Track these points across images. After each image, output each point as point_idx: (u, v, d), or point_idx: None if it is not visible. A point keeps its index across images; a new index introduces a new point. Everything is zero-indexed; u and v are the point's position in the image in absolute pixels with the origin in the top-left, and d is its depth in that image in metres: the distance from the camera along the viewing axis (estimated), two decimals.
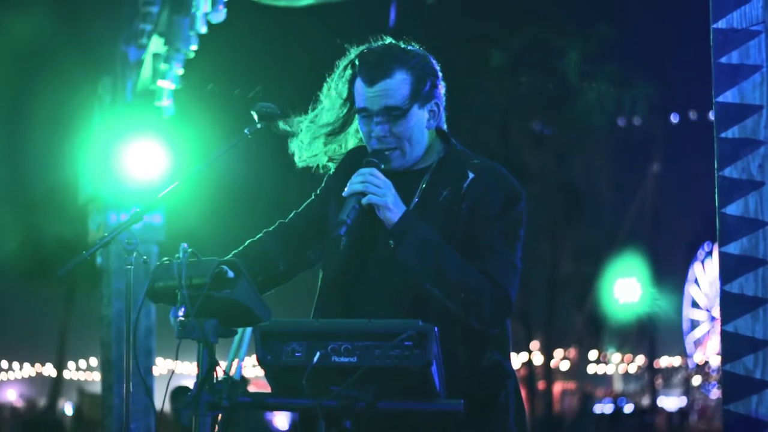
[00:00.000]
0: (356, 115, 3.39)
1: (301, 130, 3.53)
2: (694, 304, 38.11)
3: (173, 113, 8.39)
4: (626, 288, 32.50)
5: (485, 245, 3.20)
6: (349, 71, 3.38)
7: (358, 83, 3.33)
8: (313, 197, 3.54)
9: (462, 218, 3.25)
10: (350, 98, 3.40)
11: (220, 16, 7.76)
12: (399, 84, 3.28)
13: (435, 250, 3.14)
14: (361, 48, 3.39)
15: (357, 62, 3.34)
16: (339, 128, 3.50)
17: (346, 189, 3.23)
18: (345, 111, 3.45)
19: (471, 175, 3.29)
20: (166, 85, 8.13)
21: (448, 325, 3.10)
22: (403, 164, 3.34)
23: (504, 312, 3.19)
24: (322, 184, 3.54)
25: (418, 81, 3.31)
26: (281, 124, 3.52)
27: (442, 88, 3.41)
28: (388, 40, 3.42)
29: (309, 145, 3.52)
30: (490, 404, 3.21)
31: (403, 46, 3.37)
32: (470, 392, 3.02)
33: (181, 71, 8.11)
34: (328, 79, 3.47)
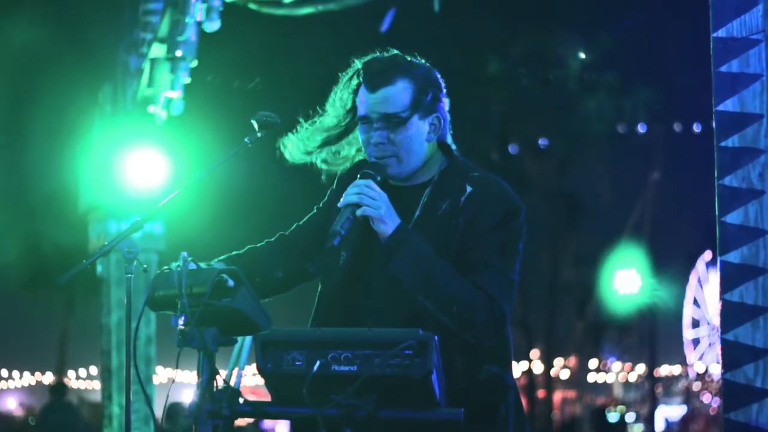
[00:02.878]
0: (357, 125, 3.40)
1: (299, 130, 3.53)
2: (695, 324, 38.02)
3: (173, 121, 8.40)
4: (626, 279, 32.35)
5: (481, 259, 3.20)
6: (354, 81, 3.39)
7: (361, 91, 3.34)
8: (315, 210, 3.54)
9: (459, 232, 3.24)
10: (353, 108, 3.41)
11: (214, 25, 7.76)
12: (400, 92, 3.29)
13: (428, 263, 3.14)
14: (367, 58, 3.41)
15: (361, 71, 3.36)
16: (338, 134, 3.50)
17: (341, 200, 3.23)
18: (347, 120, 3.46)
19: (469, 189, 3.29)
20: (172, 94, 8.13)
21: (446, 337, 3.07)
22: (399, 173, 3.34)
23: (497, 326, 3.18)
24: (325, 198, 3.54)
25: (419, 91, 3.31)
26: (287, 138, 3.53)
27: (445, 103, 3.41)
28: (394, 51, 3.43)
29: (304, 141, 3.51)
30: (490, 416, 3.21)
31: (408, 58, 3.38)
32: (469, 405, 3.00)
33: (188, 80, 8.11)
34: (333, 88, 3.47)
